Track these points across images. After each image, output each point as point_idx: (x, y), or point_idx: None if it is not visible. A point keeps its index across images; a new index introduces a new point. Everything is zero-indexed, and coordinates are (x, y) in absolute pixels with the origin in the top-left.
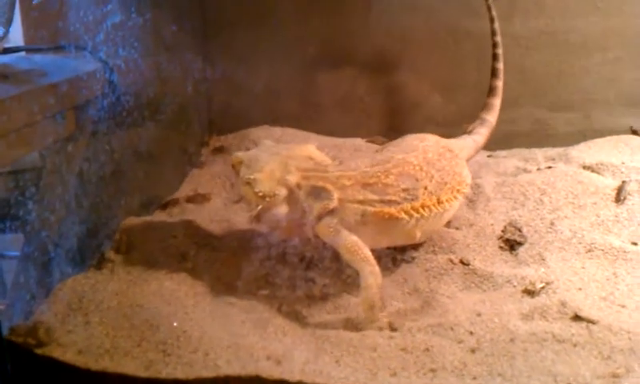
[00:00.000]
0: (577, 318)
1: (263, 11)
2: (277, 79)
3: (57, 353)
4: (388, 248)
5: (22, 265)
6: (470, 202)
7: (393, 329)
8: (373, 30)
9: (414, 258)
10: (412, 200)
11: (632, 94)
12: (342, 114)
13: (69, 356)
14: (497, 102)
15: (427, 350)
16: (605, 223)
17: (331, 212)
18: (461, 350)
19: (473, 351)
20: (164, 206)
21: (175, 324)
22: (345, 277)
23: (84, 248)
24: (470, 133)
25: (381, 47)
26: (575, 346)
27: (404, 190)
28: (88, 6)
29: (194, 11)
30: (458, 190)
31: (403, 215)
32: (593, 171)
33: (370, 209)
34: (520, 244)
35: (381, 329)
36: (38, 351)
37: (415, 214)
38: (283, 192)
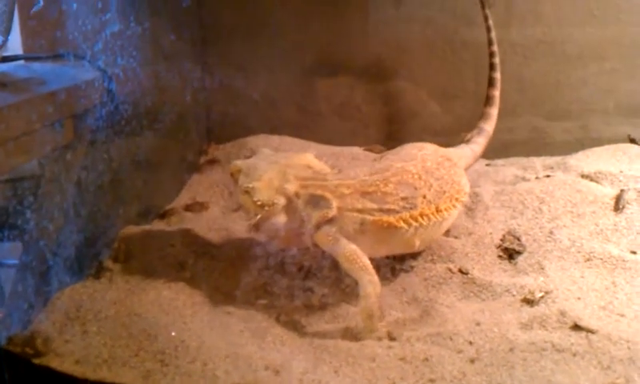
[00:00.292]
0: (576, 327)
1: (261, 20)
2: (275, 88)
3: (54, 363)
4: (387, 257)
5: (20, 273)
6: (469, 210)
7: (392, 338)
8: (370, 39)
9: (412, 268)
10: (411, 209)
11: (630, 103)
12: (339, 122)
13: (66, 366)
14: (494, 111)
15: (426, 359)
16: (604, 232)
17: (330, 221)
18: (460, 360)
19: (472, 361)
20: (162, 215)
21: (173, 333)
22: (343, 286)
23: (82, 257)
24: (467, 142)
25: (378, 56)
26: (575, 355)
27: (403, 199)
28: (87, 14)
29: (192, 20)
30: (456, 199)
31: (402, 224)
32: (591, 180)
33: (369, 218)
34: (519, 253)
35: (380, 338)
36: (36, 361)
37: (414, 223)
38: (282, 201)
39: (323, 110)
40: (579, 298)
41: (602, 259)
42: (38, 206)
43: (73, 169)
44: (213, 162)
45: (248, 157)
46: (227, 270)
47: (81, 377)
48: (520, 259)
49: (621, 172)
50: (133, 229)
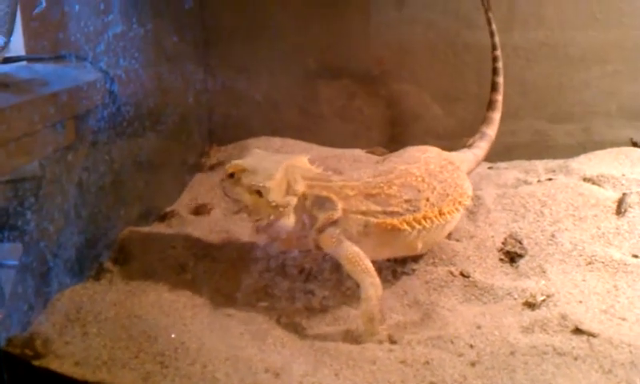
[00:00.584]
0: (577, 331)
1: (263, 22)
2: (276, 89)
3: (54, 364)
4: (388, 260)
5: (20, 274)
6: (471, 213)
7: (392, 341)
8: (372, 41)
9: (414, 270)
10: (414, 211)
11: (632, 106)
12: (341, 124)
13: (66, 368)
14: (496, 115)
15: (427, 362)
16: (605, 235)
17: (334, 222)
18: (461, 363)
19: (473, 364)
20: (163, 217)
21: (173, 336)
22: (344, 289)
23: (82, 258)
24: (470, 146)
25: (380, 58)
26: (576, 359)
27: (406, 202)
28: (89, 16)
29: (194, 22)
30: (459, 202)
31: (405, 226)
32: (593, 183)
33: (373, 220)
34: (520, 256)
35: (380, 342)
36: (35, 363)
37: (417, 226)
38: (294, 201)
39: (325, 112)
40: (581, 302)
41: (603, 263)
42: (39, 207)
43: (74, 170)
44: (214, 166)
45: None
46: (228, 272)
47: (80, 378)
48: (522, 262)
49: (623, 175)
50: (133, 230)
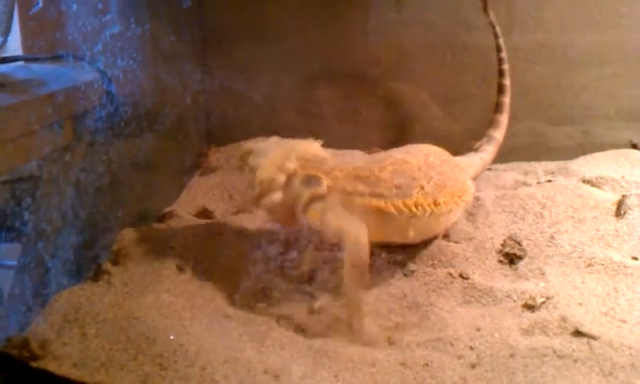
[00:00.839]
0: (577, 333)
1: (262, 23)
2: (275, 90)
3: (52, 366)
4: (388, 261)
5: (19, 275)
6: (470, 215)
7: (391, 343)
8: (372, 42)
9: (413, 272)
10: (404, 197)
11: (631, 108)
12: (340, 125)
13: (64, 369)
14: (503, 118)
15: (427, 365)
16: (605, 237)
17: (320, 198)
18: (460, 366)
19: (473, 366)
20: (162, 218)
21: (172, 337)
22: (344, 290)
23: (81, 259)
24: (476, 150)
25: (379, 59)
26: (576, 361)
27: (397, 186)
28: (86, 16)
29: (192, 21)
30: (458, 196)
31: (392, 210)
32: (593, 185)
33: (359, 200)
34: (520, 258)
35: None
36: (33, 364)
37: (406, 211)
38: (282, 178)
39: (324, 113)
40: (580, 304)
41: (603, 265)
42: (37, 207)
43: (72, 170)
44: (212, 169)
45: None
46: (226, 274)
47: (78, 380)
48: (521, 264)
49: (622, 177)
50: (132, 231)
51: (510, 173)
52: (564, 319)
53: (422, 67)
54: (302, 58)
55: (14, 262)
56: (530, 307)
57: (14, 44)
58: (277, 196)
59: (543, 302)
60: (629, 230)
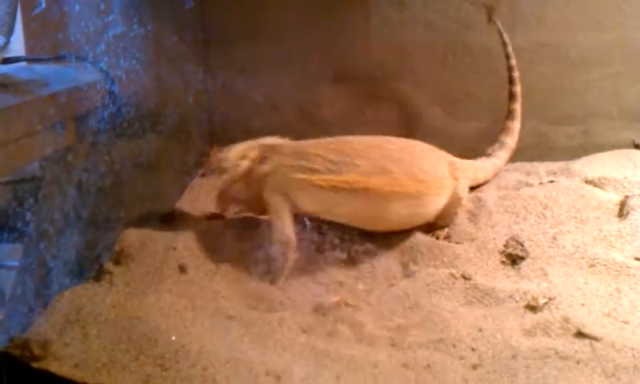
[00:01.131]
0: (580, 334)
1: (264, 23)
2: (277, 90)
3: (53, 366)
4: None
5: (20, 275)
6: (472, 216)
7: (392, 344)
8: (373, 42)
9: (414, 273)
10: (335, 173)
11: (634, 108)
12: (341, 125)
13: (65, 370)
14: (516, 124)
15: (429, 366)
16: (607, 238)
17: (267, 176)
18: (462, 367)
19: (474, 367)
20: (164, 218)
21: (173, 338)
22: (346, 291)
23: (83, 259)
24: (489, 155)
25: (381, 59)
26: (578, 362)
27: (331, 162)
28: (89, 16)
29: (194, 22)
30: (415, 188)
31: (321, 183)
32: (595, 186)
33: (296, 175)
34: (522, 259)
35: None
36: (35, 364)
37: (338, 186)
38: (244, 164)
39: (325, 113)
40: (583, 305)
41: (605, 265)
42: (39, 208)
43: (74, 171)
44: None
45: None
46: (229, 274)
47: (80, 381)
48: (523, 265)
49: (625, 178)
50: (134, 231)
51: (513, 173)
52: (566, 320)
53: (423, 67)
54: (304, 57)
55: (16, 263)
56: (532, 308)
57: (17, 45)
58: (244, 164)
59: (545, 303)
60: (631, 230)
